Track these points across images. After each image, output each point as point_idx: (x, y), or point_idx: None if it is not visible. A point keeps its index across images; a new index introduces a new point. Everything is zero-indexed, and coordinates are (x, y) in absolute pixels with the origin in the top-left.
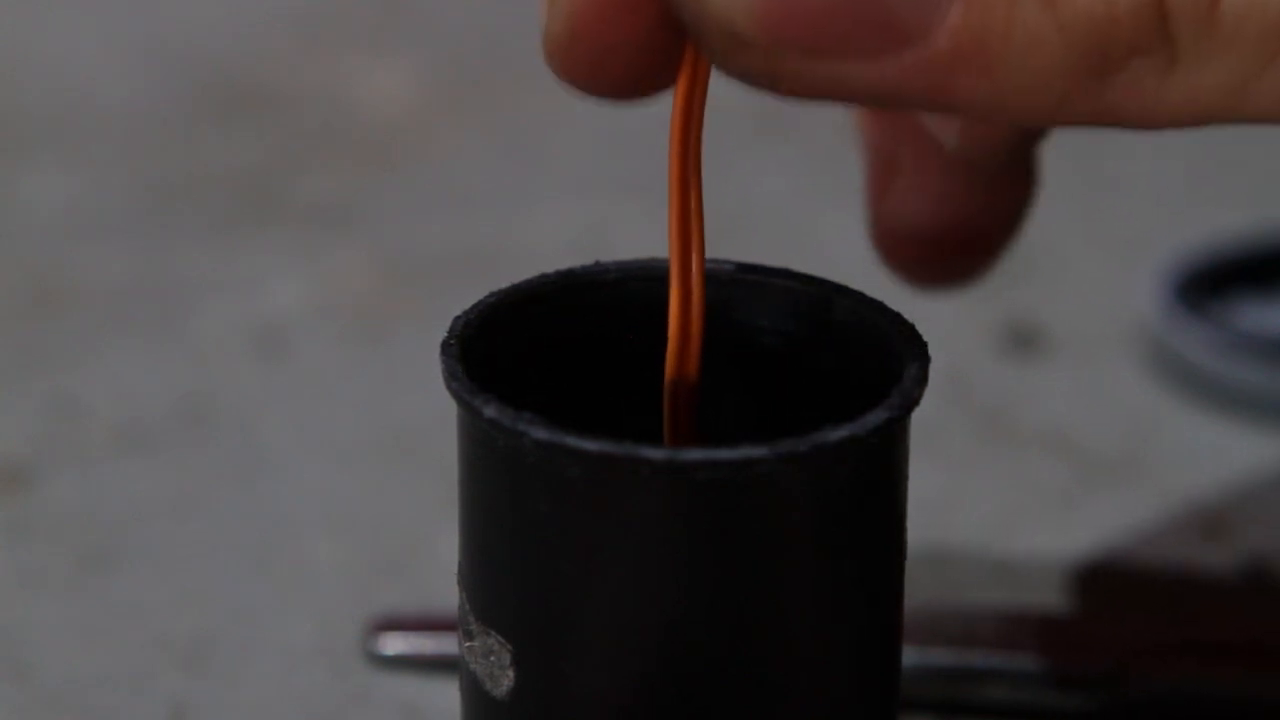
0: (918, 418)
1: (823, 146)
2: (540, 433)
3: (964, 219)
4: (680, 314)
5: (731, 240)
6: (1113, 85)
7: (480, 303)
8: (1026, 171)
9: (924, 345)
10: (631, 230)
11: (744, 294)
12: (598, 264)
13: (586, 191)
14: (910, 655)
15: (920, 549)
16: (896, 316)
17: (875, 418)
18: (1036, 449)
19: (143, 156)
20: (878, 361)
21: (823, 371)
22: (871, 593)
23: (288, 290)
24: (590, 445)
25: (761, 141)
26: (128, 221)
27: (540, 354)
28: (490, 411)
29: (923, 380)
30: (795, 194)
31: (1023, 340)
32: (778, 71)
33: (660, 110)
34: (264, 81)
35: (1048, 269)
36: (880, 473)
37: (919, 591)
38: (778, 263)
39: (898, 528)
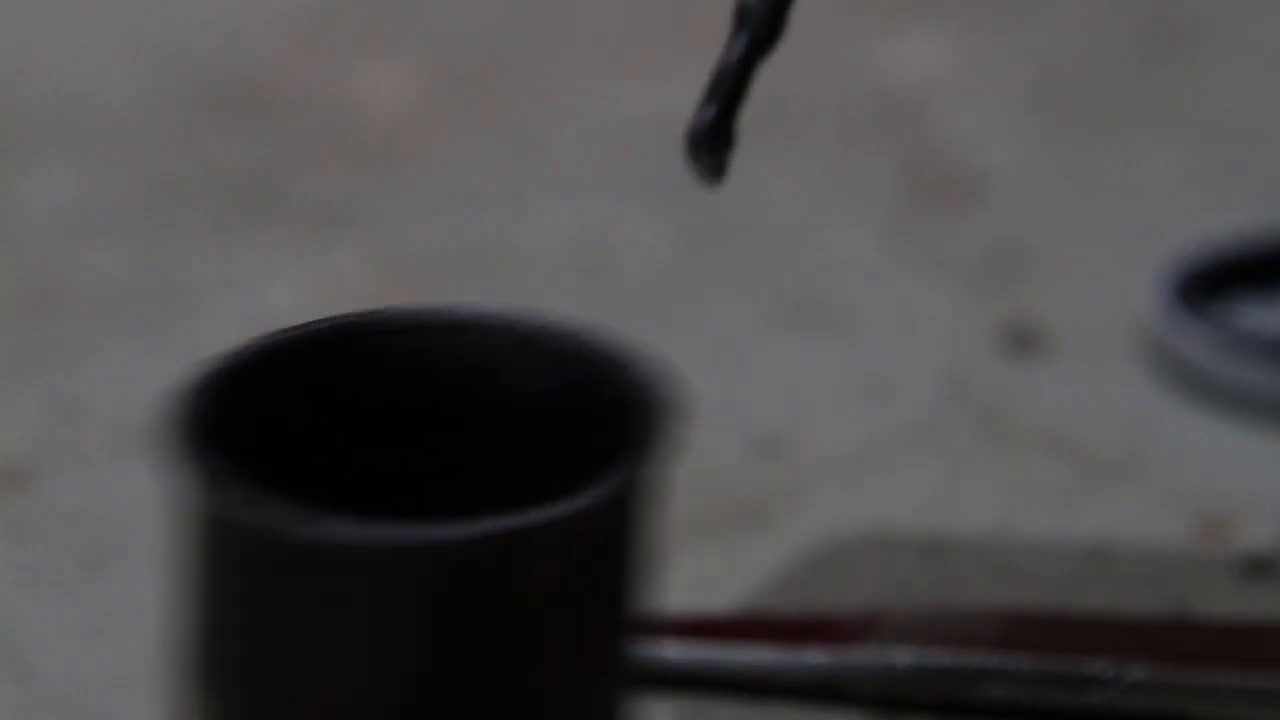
0: (918, 417)
1: (826, 150)
2: (253, 515)
3: None
4: None
5: (733, 244)
6: None
7: (226, 360)
8: None
9: (662, 420)
10: (631, 230)
11: (508, 349)
12: (376, 311)
13: (586, 191)
14: (910, 655)
15: (920, 548)
16: (650, 385)
17: (591, 495)
18: (1036, 449)
19: (143, 156)
20: (625, 429)
21: (573, 434)
22: (589, 657)
23: (288, 290)
24: (305, 529)
25: (764, 145)
26: (128, 221)
27: (290, 413)
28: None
29: (647, 459)
30: (797, 197)
31: (1023, 340)
32: None
33: (658, 111)
34: (264, 81)
35: (1048, 269)
36: (601, 548)
37: (919, 591)
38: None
39: (623, 592)
